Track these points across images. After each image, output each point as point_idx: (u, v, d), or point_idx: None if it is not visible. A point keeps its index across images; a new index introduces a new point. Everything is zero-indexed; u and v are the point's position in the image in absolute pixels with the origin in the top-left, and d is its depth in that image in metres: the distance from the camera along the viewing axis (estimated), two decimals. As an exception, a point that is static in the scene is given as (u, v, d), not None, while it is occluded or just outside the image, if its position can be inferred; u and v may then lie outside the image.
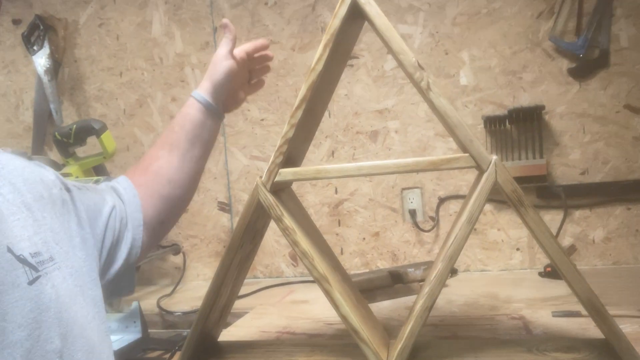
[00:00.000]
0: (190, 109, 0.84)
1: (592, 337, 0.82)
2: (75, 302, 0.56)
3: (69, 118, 1.80)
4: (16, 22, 1.87)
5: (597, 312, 0.71)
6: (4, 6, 1.87)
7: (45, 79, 1.77)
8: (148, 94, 1.74)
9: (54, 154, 1.73)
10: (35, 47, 1.78)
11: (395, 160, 0.77)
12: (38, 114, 1.81)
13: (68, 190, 0.66)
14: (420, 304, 0.75)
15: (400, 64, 0.76)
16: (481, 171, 0.74)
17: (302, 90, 0.79)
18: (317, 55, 0.79)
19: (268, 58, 0.95)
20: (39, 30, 1.78)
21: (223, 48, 0.85)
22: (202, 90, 0.85)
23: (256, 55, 0.93)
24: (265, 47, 0.94)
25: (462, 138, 0.74)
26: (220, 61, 0.85)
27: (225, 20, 0.86)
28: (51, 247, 0.57)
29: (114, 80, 1.78)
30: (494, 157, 0.73)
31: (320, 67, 0.78)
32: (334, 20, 0.78)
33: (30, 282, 0.51)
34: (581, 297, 0.71)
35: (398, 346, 0.75)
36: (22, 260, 0.51)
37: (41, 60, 1.78)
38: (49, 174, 0.64)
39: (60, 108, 1.80)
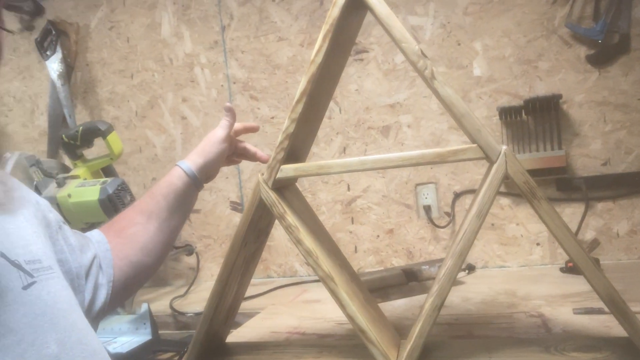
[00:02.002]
0: (177, 180, 0.80)
1: (615, 336, 0.78)
2: (74, 309, 0.56)
3: (82, 121, 1.81)
4: (29, 28, 1.89)
5: (618, 309, 0.67)
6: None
7: (58, 83, 1.78)
8: (159, 95, 1.73)
9: (66, 160, 1.75)
10: (48, 53, 1.79)
11: (399, 154, 0.74)
12: (52, 118, 1.83)
13: (63, 222, 0.67)
14: (430, 302, 0.72)
15: (404, 53, 0.73)
16: (491, 162, 0.71)
17: (302, 84, 0.77)
18: (316, 46, 0.76)
19: (254, 130, 0.96)
20: (51, 36, 1.79)
21: (222, 131, 0.85)
22: (193, 164, 0.82)
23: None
24: (255, 130, 0.96)
25: (469, 128, 0.71)
26: (217, 143, 0.85)
27: (228, 104, 0.87)
28: (50, 258, 0.57)
29: (125, 83, 1.78)
30: (504, 147, 0.69)
31: (320, 59, 0.76)
32: (333, 9, 0.75)
33: (25, 287, 0.50)
34: (601, 293, 0.67)
35: (407, 347, 0.72)
36: (17, 266, 0.51)
37: (54, 65, 1.79)
38: (43, 200, 0.65)
39: (74, 112, 1.81)
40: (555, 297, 1.08)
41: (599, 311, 0.93)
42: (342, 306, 0.75)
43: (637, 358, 0.67)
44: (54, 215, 0.65)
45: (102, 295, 0.70)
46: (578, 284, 1.14)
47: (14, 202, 0.58)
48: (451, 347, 0.79)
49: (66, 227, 0.67)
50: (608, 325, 0.86)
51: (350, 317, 0.75)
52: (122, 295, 0.76)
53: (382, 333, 0.78)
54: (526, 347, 0.76)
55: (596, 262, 1.24)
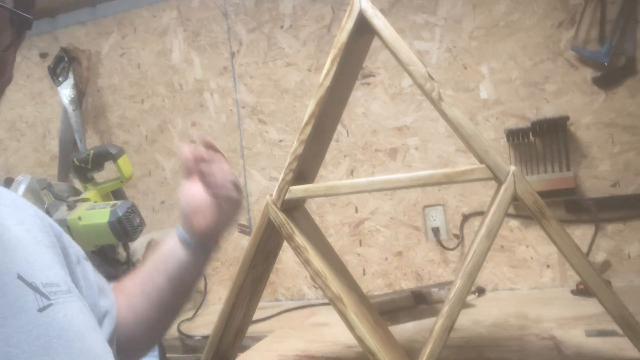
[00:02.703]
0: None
1: (629, 358, 0.77)
2: (91, 332, 0.56)
3: (92, 146, 1.83)
4: (43, 55, 1.93)
5: (631, 329, 0.66)
6: (33, 41, 1.93)
7: (70, 108, 1.81)
8: (169, 119, 1.76)
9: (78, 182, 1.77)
10: (60, 79, 1.83)
11: (408, 174, 0.75)
12: (63, 143, 1.86)
13: (85, 258, 0.66)
14: (440, 324, 0.71)
15: (411, 75, 0.74)
16: (499, 182, 0.71)
17: (311, 106, 0.78)
18: (325, 70, 0.77)
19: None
20: (64, 62, 1.83)
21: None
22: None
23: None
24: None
25: (477, 149, 0.71)
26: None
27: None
28: (69, 282, 0.57)
29: (135, 108, 1.81)
30: (512, 168, 0.70)
31: (328, 82, 0.77)
32: (341, 34, 0.77)
33: (41, 309, 0.50)
34: (613, 314, 0.66)
35: (417, 369, 0.71)
36: (34, 288, 0.51)
37: (66, 90, 1.83)
38: (66, 236, 0.65)
39: (84, 136, 1.83)
40: (567, 320, 1.06)
41: (612, 333, 0.92)
42: (351, 327, 0.75)
43: (652, 381, 0.66)
44: (74, 250, 0.64)
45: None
46: (590, 306, 1.13)
47: (35, 228, 0.58)
48: (462, 370, 0.78)
49: (88, 264, 0.66)
50: (622, 347, 0.85)
51: (359, 339, 0.74)
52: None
53: (392, 355, 0.77)
54: (539, 370, 0.75)
55: (608, 284, 1.23)
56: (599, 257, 1.35)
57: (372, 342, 0.73)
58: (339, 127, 1.56)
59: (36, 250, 0.55)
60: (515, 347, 0.93)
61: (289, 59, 1.61)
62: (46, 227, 0.60)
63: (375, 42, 0.81)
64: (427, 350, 0.71)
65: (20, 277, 0.50)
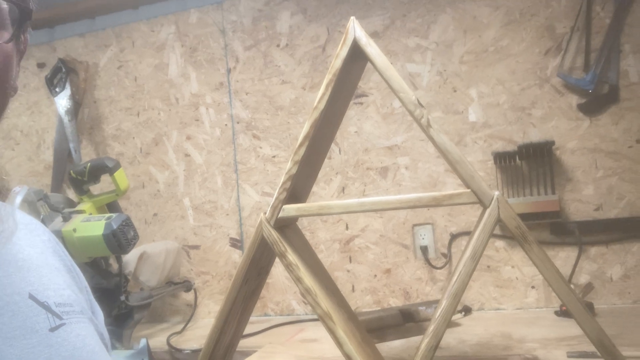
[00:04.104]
0: None
1: (607, 380, 0.79)
2: (104, 355, 0.55)
3: (87, 157, 1.85)
4: (40, 65, 1.95)
5: (608, 353, 0.68)
6: (30, 51, 1.95)
7: (65, 119, 1.83)
8: (164, 132, 1.78)
9: (72, 193, 1.78)
10: (57, 89, 1.84)
11: (397, 197, 0.78)
12: (58, 153, 1.87)
13: (87, 287, 0.64)
14: (425, 343, 0.74)
15: (402, 102, 0.77)
16: (484, 207, 0.74)
17: (305, 128, 0.81)
18: (319, 94, 0.81)
19: None
20: (61, 73, 1.85)
21: None
22: None
23: None
24: None
25: (463, 174, 0.74)
26: None
27: None
28: (82, 304, 0.56)
29: (131, 120, 1.83)
30: (496, 193, 0.73)
31: (322, 105, 0.80)
32: (336, 60, 0.80)
33: (52, 329, 0.49)
34: (591, 337, 0.69)
35: (403, 387, 0.73)
36: (46, 307, 0.50)
37: (62, 101, 1.84)
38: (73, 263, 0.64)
39: (80, 147, 1.85)
40: (550, 340, 1.09)
41: (593, 355, 0.95)
42: (339, 344, 0.77)
43: (628, 402, 0.68)
44: (85, 282, 0.62)
45: None
46: (573, 328, 1.15)
47: (48, 251, 0.58)
48: (446, 388, 0.80)
49: (99, 311, 0.64)
50: (601, 369, 0.88)
51: (347, 356, 0.76)
52: None
53: (379, 373, 0.79)
54: (520, 389, 0.77)
55: (590, 306, 1.26)
56: (582, 279, 1.39)
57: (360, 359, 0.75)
58: (332, 145, 1.59)
59: (49, 272, 0.54)
60: (498, 366, 0.96)
61: (284, 76, 1.65)
62: (59, 252, 0.60)
63: (369, 64, 0.84)
64: (413, 368, 0.73)
65: (31, 297, 0.49)
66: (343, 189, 1.59)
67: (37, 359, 0.47)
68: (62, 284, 0.55)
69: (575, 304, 0.70)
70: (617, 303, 1.36)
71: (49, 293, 0.51)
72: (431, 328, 0.73)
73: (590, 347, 0.97)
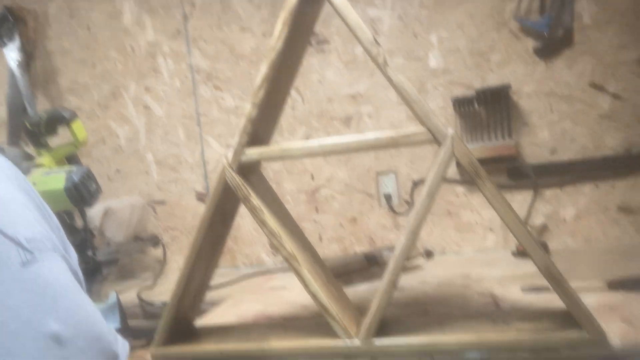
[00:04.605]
0: None
1: (556, 308, 0.85)
2: (80, 291, 0.53)
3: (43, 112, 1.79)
4: (-15, 15, 1.84)
5: (554, 280, 0.73)
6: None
7: (17, 72, 1.74)
8: (121, 84, 1.73)
9: (30, 148, 1.72)
10: (5, 40, 1.75)
11: (357, 137, 0.79)
12: (12, 108, 1.79)
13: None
14: (386, 279, 0.77)
15: (359, 40, 0.77)
16: (439, 145, 0.76)
17: (263, 69, 0.80)
18: (275, 33, 0.79)
19: None
20: (8, 23, 1.75)
21: None
22: None
23: None
24: None
25: (419, 113, 0.75)
26: None
27: None
28: (54, 241, 0.54)
29: (87, 72, 1.76)
30: (451, 131, 0.74)
31: (279, 45, 0.79)
32: (293, -2, 0.79)
33: (24, 264, 0.48)
34: (539, 266, 0.73)
35: (366, 321, 0.77)
36: (16, 242, 0.49)
37: (12, 53, 1.75)
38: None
39: (34, 102, 1.77)
40: (506, 278, 1.14)
41: (545, 289, 1.00)
42: (304, 284, 0.79)
43: (573, 326, 0.73)
44: (56, 222, 0.60)
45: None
46: (528, 266, 1.20)
47: (16, 189, 0.55)
48: (407, 322, 0.84)
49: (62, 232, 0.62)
50: (552, 301, 0.93)
51: (312, 295, 0.79)
52: None
53: (344, 311, 0.82)
54: (476, 320, 0.82)
55: (544, 246, 1.32)
56: (537, 220, 1.45)
57: (325, 298, 0.78)
58: (295, 95, 1.58)
59: (18, 207, 0.52)
60: (458, 303, 1.01)
61: (244, 23, 1.60)
62: (27, 189, 0.57)
63: (330, 8, 0.83)
64: (375, 302, 0.76)
65: (1, 232, 0.47)
66: (307, 138, 1.59)
67: (9, 294, 0.46)
68: (32, 220, 0.53)
69: (525, 234, 0.73)
70: (570, 242, 1.43)
71: (19, 229, 0.50)
72: (391, 264, 0.76)
73: (544, 282, 1.03)
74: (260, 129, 0.86)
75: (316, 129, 1.58)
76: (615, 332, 0.72)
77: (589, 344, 0.69)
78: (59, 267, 0.51)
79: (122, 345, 0.65)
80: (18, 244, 0.48)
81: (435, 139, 0.74)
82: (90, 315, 0.53)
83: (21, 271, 0.47)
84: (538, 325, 0.77)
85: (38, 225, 0.54)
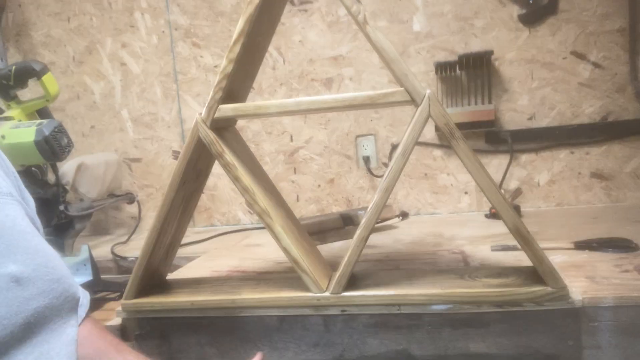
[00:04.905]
0: None
1: (523, 266, 0.87)
2: (37, 235, 0.54)
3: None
4: (-48, -38, 1.76)
5: (522, 237, 0.74)
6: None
7: (-13, 24, 1.69)
8: (97, 40, 1.68)
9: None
10: (-26, -10, 1.68)
11: (334, 96, 0.78)
12: (-19, 62, 1.74)
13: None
14: (357, 234, 0.77)
15: (339, -3, 0.75)
16: (416, 105, 0.76)
17: (240, 24, 0.78)
18: (254, -13, 0.77)
19: None
20: (-23, -28, 1.68)
21: None
22: None
23: None
24: None
25: (397, 72, 0.75)
26: None
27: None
28: (9, 186, 0.54)
29: (61, 26, 1.71)
30: (428, 91, 0.74)
31: (258, -1, 0.77)
32: (271, -50, 0.76)
33: None
34: (507, 223, 0.74)
35: (337, 275, 0.78)
36: None
37: (-18, 4, 1.69)
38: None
39: (6, 55, 1.72)
40: (477, 238, 1.17)
41: (514, 248, 1.03)
42: (277, 239, 0.80)
43: (538, 281, 0.75)
44: (14, 173, 0.60)
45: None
46: (499, 227, 1.24)
47: None
48: (378, 277, 0.86)
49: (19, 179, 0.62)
50: (519, 259, 0.95)
51: (284, 249, 0.79)
52: None
53: (315, 265, 0.83)
54: (444, 275, 0.84)
55: (517, 209, 1.35)
56: (512, 184, 1.47)
57: (296, 252, 0.79)
58: (276, 55, 1.56)
59: None
60: (428, 259, 1.03)
61: (225, -20, 1.56)
62: None
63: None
64: (346, 257, 0.77)
65: None
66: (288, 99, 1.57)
67: None
68: None
69: (494, 192, 0.74)
70: (542, 206, 1.46)
71: None
72: (363, 220, 0.77)
73: (513, 242, 1.05)
74: (236, 85, 0.84)
75: (297, 90, 1.57)
76: (578, 288, 0.75)
77: (552, 298, 0.72)
78: (15, 212, 0.52)
79: (82, 293, 0.65)
80: None
81: (413, 100, 0.74)
82: (50, 260, 0.53)
83: None
84: (504, 281, 0.79)
85: None
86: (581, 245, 0.98)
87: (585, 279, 0.80)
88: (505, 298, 0.74)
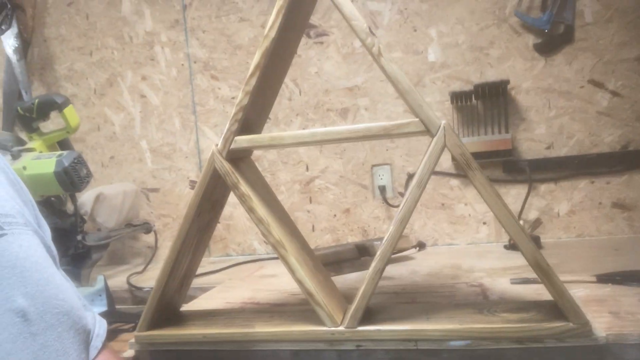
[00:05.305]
0: None
1: (544, 300, 0.84)
2: (51, 265, 0.54)
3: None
4: (-17, 1, 1.83)
5: (542, 270, 0.72)
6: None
7: (14, 58, 1.74)
8: (118, 72, 1.72)
9: (22, 133, 1.72)
10: (3, 27, 1.74)
11: (348, 127, 0.79)
12: (7, 94, 1.79)
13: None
14: (373, 266, 0.76)
15: (354, 30, 0.76)
16: (431, 136, 0.75)
17: (256, 57, 0.79)
18: (270, 21, 0.79)
19: None
20: (6, 10, 1.74)
21: None
22: None
23: None
24: None
25: (412, 103, 0.75)
26: None
27: None
28: (27, 216, 0.55)
29: (84, 60, 1.76)
30: (443, 122, 0.74)
31: (273, 33, 0.79)
32: (287, -14, 0.78)
33: None
34: (526, 255, 0.73)
35: (351, 308, 0.77)
36: None
37: (10, 40, 1.75)
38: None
39: (30, 88, 1.77)
40: (496, 270, 1.14)
41: (534, 281, 1.00)
42: (291, 271, 0.79)
43: (559, 317, 0.73)
44: (33, 204, 0.60)
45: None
46: (518, 259, 1.21)
47: None
48: (394, 310, 0.84)
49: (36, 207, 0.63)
50: (540, 292, 0.93)
51: (298, 281, 0.78)
52: None
53: (330, 298, 0.82)
54: (462, 309, 0.81)
55: (536, 240, 1.32)
56: (531, 215, 1.45)
57: (311, 284, 0.78)
58: (292, 86, 1.58)
59: None
60: (446, 292, 1.01)
61: (243, 14, 1.60)
62: (2, 166, 0.57)
63: (329, 0, 0.83)
64: (361, 290, 0.76)
65: None
66: (303, 130, 1.59)
67: None
68: (4, 195, 0.53)
69: (514, 225, 0.73)
70: (563, 237, 1.43)
71: None
72: (379, 252, 0.76)
73: (533, 274, 1.03)
74: (252, 117, 0.85)
75: (313, 120, 1.58)
76: (601, 324, 0.72)
77: (574, 334, 0.69)
78: (29, 242, 0.52)
79: (98, 323, 0.65)
80: None
81: (428, 130, 0.74)
82: (61, 291, 0.53)
83: None
84: (524, 316, 0.76)
85: (11, 200, 0.54)
86: (603, 279, 0.95)
87: (608, 314, 0.77)
88: (526, 334, 0.71)
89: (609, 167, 1.39)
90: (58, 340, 0.51)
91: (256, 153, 1.53)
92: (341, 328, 0.76)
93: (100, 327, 0.65)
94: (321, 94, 1.57)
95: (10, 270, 0.48)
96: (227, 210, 1.63)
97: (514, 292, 0.96)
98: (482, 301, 0.92)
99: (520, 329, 0.71)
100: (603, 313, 0.78)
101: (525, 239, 0.73)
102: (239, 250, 1.67)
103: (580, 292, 0.91)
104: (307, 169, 1.60)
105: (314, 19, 1.54)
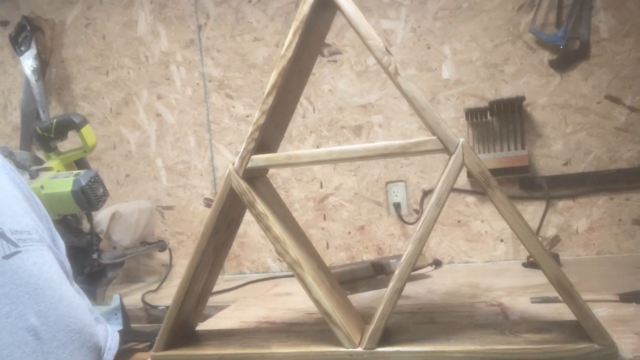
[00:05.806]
0: None
1: (566, 320, 0.83)
2: (63, 282, 0.54)
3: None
4: (4, 23, 1.88)
5: (565, 291, 0.71)
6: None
7: (32, 79, 1.78)
8: (134, 92, 1.75)
9: (40, 152, 1.74)
10: (22, 48, 1.78)
11: (365, 145, 0.78)
12: (25, 114, 1.82)
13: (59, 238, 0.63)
14: (391, 286, 0.75)
15: (370, 49, 0.76)
16: (449, 154, 0.75)
17: (273, 77, 0.80)
18: (287, 41, 0.79)
19: None
20: (26, 31, 1.79)
21: None
22: None
23: None
24: None
25: (429, 121, 0.75)
26: None
27: None
28: (41, 232, 0.55)
29: (100, 79, 1.79)
30: (461, 139, 0.73)
31: (290, 53, 0.79)
32: (304, 6, 0.79)
33: (6, 257, 0.49)
34: (550, 276, 0.71)
35: (370, 329, 0.75)
36: (0, 234, 0.50)
37: (28, 61, 1.78)
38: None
39: (48, 108, 1.80)
40: (515, 289, 1.12)
41: (555, 300, 0.98)
42: (308, 290, 0.78)
43: (583, 337, 0.71)
44: (39, 206, 0.61)
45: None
46: (538, 277, 1.19)
47: (4, 178, 0.56)
48: (412, 331, 0.83)
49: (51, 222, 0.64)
50: (561, 312, 0.91)
51: (315, 301, 0.78)
52: None
53: (347, 318, 0.81)
54: (483, 330, 0.80)
55: (555, 258, 1.30)
56: (549, 232, 1.42)
57: (328, 304, 0.77)
58: (305, 104, 1.59)
59: (5, 198, 0.53)
60: (465, 312, 0.99)
61: (257, 33, 1.62)
62: (16, 180, 0.58)
63: (343, 20, 0.83)
64: (379, 310, 0.75)
65: None
66: (317, 147, 1.59)
67: None
68: (20, 211, 0.54)
69: (535, 244, 0.71)
70: (582, 254, 1.41)
71: (4, 220, 0.51)
72: (397, 272, 0.75)
73: (553, 293, 1.01)
74: (268, 136, 0.85)
75: (326, 137, 1.58)
76: (627, 345, 0.70)
77: (600, 356, 0.67)
78: (43, 259, 0.52)
79: (110, 335, 0.65)
80: (2, 236, 0.49)
81: (446, 148, 0.73)
82: (73, 308, 0.52)
83: (2, 264, 0.48)
84: (547, 336, 0.75)
85: (26, 216, 0.54)
86: (627, 298, 0.93)
87: (634, 335, 0.75)
88: (550, 355, 0.69)
89: (628, 183, 1.37)
90: (70, 359, 0.51)
91: (270, 171, 1.53)
92: (360, 349, 0.75)
93: (112, 340, 0.65)
94: (335, 111, 1.57)
95: (24, 288, 0.49)
96: (241, 227, 1.62)
97: (534, 312, 0.94)
98: (503, 321, 0.90)
99: (543, 350, 0.70)
100: (628, 334, 0.76)
101: (547, 258, 0.71)
102: (252, 268, 1.67)
103: (603, 312, 0.89)
104: (321, 186, 1.60)
105: (328, 38, 1.55)
